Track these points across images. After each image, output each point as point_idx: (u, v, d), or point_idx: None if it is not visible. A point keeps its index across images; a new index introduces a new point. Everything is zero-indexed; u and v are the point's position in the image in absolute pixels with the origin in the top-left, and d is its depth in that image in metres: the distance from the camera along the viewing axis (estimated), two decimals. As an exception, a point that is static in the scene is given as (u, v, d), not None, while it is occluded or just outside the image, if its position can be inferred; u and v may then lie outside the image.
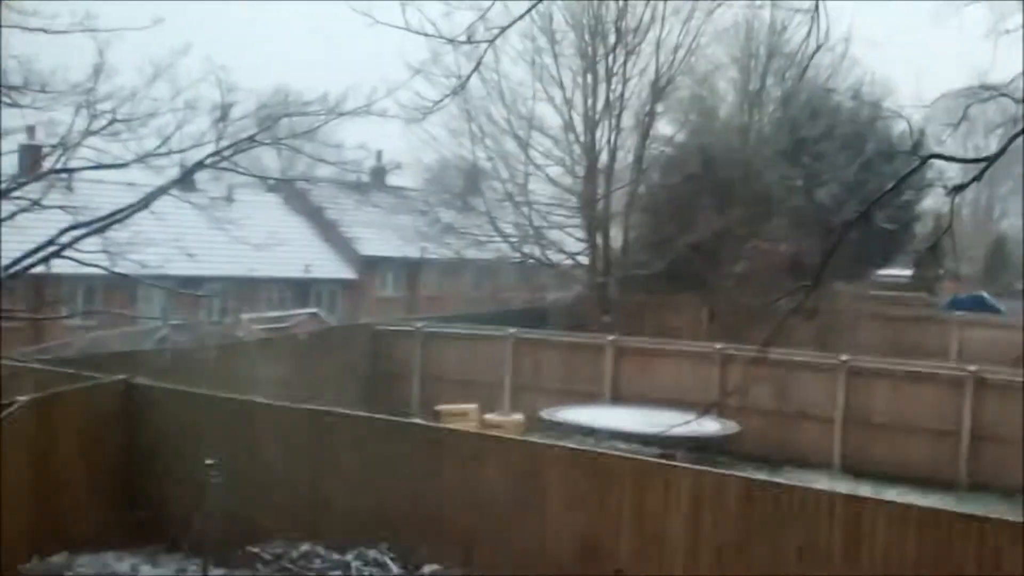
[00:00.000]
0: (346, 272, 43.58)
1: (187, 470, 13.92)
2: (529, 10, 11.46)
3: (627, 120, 34.31)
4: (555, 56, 33.21)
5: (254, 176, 33.50)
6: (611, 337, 26.29)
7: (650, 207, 35.63)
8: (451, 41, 10.50)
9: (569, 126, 33.63)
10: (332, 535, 13.63)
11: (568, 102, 33.40)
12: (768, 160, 34.41)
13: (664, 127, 36.74)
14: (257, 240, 30.79)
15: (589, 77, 33.26)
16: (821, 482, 20.38)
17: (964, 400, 21.87)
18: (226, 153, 28.14)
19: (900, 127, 38.05)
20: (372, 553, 13.30)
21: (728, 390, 22.21)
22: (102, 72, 20.25)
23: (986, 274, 50.56)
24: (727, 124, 37.08)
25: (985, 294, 38.44)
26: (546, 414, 23.05)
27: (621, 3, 33.00)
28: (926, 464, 21.98)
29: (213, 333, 29.87)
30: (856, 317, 32.26)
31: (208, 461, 13.13)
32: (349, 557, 13.29)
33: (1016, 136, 9.14)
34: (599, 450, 14.48)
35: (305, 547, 13.51)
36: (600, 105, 33.31)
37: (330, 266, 43.27)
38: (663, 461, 13.92)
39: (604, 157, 33.81)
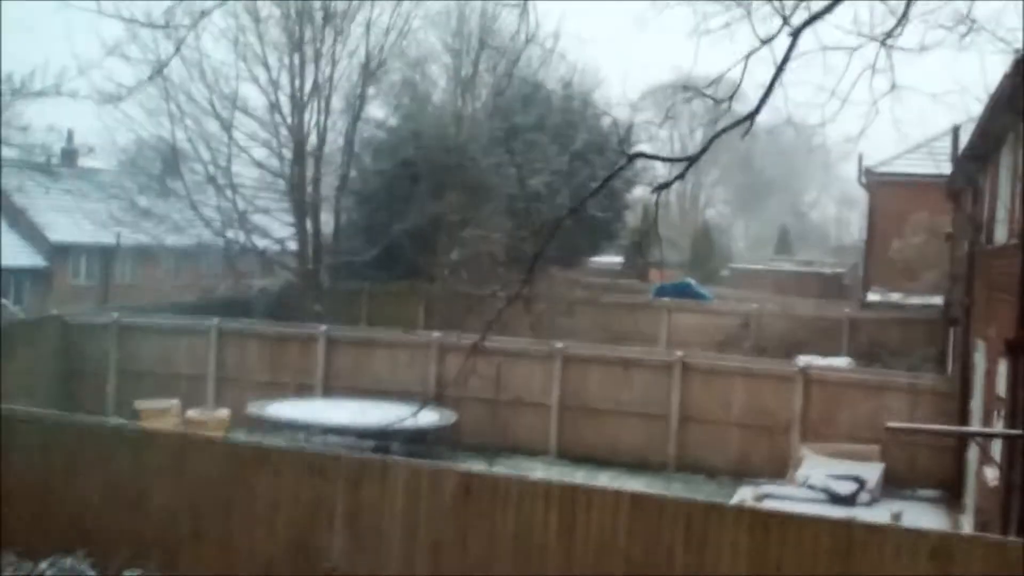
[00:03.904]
0: (35, 260, 40.61)
1: None
2: (230, -6, 10.86)
3: (337, 103, 33.62)
4: (260, 36, 31.95)
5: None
6: (323, 327, 25.46)
7: (362, 192, 35.03)
8: (149, 25, 9.90)
9: (275, 107, 32.42)
10: (24, 543, 12.90)
11: (274, 83, 32.21)
12: (482, 148, 34.49)
13: (376, 111, 36.33)
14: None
15: (296, 58, 32.22)
16: (538, 469, 20.60)
17: (672, 384, 22.43)
18: None
19: (611, 118, 39.28)
20: (68, 561, 12.77)
21: (446, 381, 21.91)
22: None
23: (693, 261, 53.00)
24: (440, 110, 36.97)
25: (691, 281, 40.03)
26: (254, 409, 22.11)
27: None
28: (638, 447, 22.45)
29: None
30: (571, 304, 32.81)
31: None
32: (43, 566, 12.69)
33: (716, 136, 9.45)
34: (308, 446, 13.90)
35: (-8, 558, 12.70)
36: (308, 87, 32.36)
37: (18, 254, 40.17)
38: (377, 456, 13.53)
39: (313, 140, 32.86)
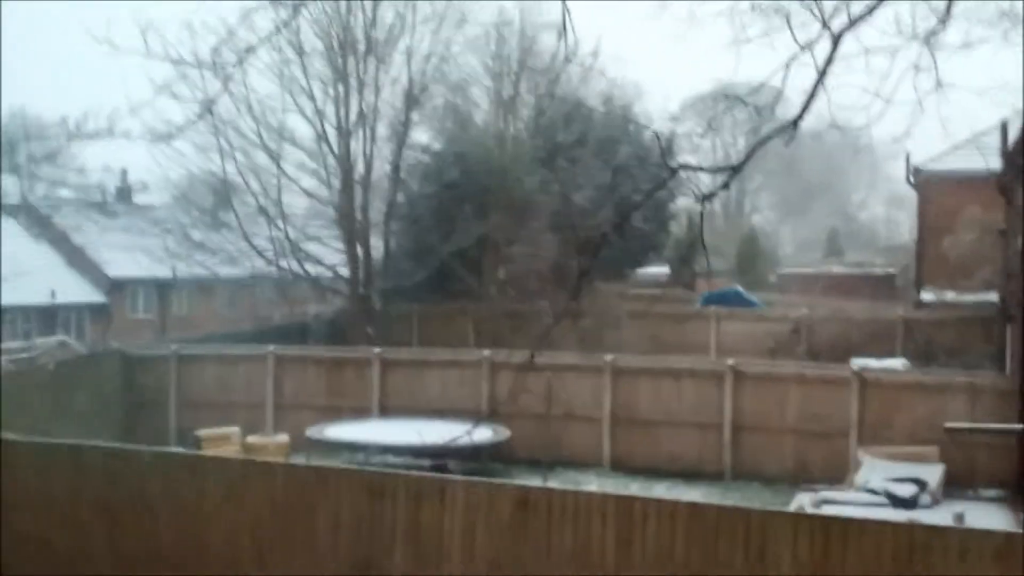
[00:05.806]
0: (95, 296, 41.44)
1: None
2: (276, 31, 11.07)
3: (382, 130, 34.03)
4: (304, 68, 32.46)
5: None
6: (376, 349, 25.74)
7: (410, 216, 35.35)
8: (197, 65, 10.19)
9: (322, 137, 32.89)
10: (95, 573, 13.03)
11: (320, 113, 32.68)
12: (525, 166, 34.67)
13: (420, 135, 36.69)
14: (-5, 269, 28.83)
15: (340, 88, 32.66)
16: (592, 482, 20.63)
17: (724, 393, 22.40)
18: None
19: (652, 131, 39.29)
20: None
21: (499, 398, 22.05)
22: None
23: (739, 268, 52.59)
24: (483, 132, 37.20)
25: (739, 288, 39.81)
26: (312, 432, 22.40)
27: (370, 13, 32.54)
28: (692, 457, 22.44)
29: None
30: (618, 316, 32.79)
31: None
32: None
33: (759, 145, 9.46)
34: (367, 467, 14.04)
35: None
36: (353, 115, 32.78)
37: (78, 290, 41.06)
38: (435, 475, 13.65)
39: (360, 167, 33.27)
